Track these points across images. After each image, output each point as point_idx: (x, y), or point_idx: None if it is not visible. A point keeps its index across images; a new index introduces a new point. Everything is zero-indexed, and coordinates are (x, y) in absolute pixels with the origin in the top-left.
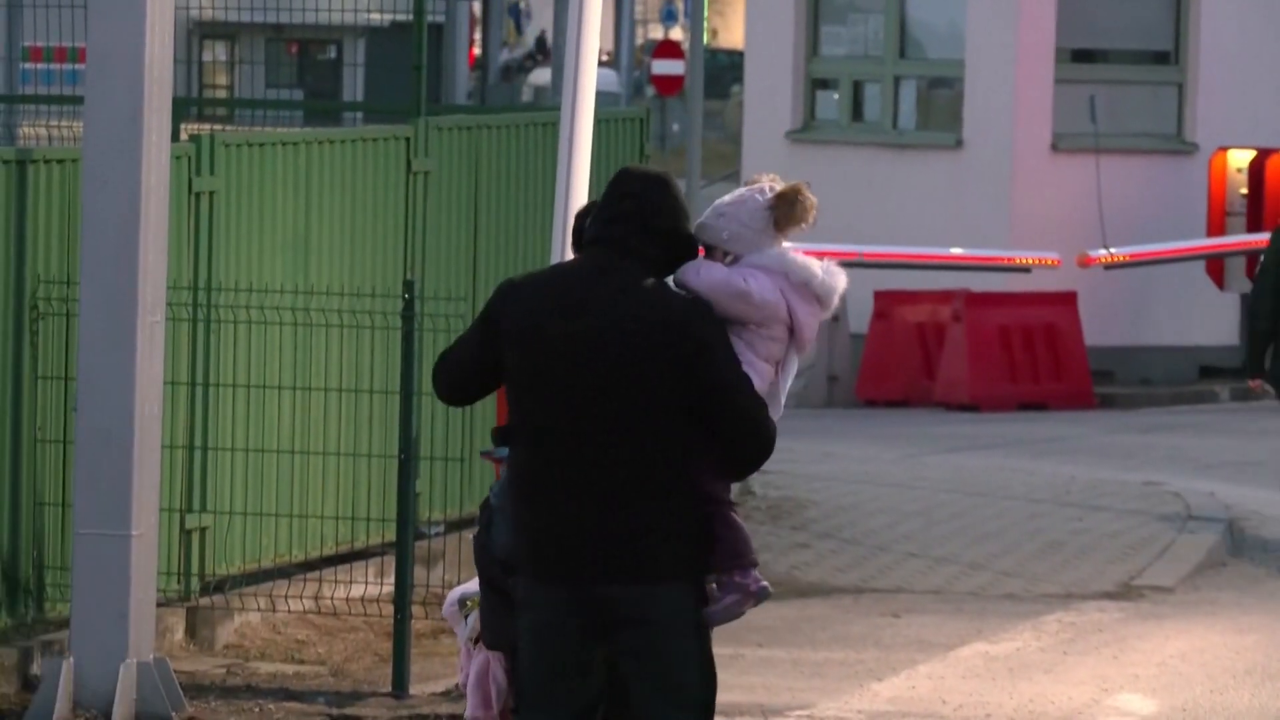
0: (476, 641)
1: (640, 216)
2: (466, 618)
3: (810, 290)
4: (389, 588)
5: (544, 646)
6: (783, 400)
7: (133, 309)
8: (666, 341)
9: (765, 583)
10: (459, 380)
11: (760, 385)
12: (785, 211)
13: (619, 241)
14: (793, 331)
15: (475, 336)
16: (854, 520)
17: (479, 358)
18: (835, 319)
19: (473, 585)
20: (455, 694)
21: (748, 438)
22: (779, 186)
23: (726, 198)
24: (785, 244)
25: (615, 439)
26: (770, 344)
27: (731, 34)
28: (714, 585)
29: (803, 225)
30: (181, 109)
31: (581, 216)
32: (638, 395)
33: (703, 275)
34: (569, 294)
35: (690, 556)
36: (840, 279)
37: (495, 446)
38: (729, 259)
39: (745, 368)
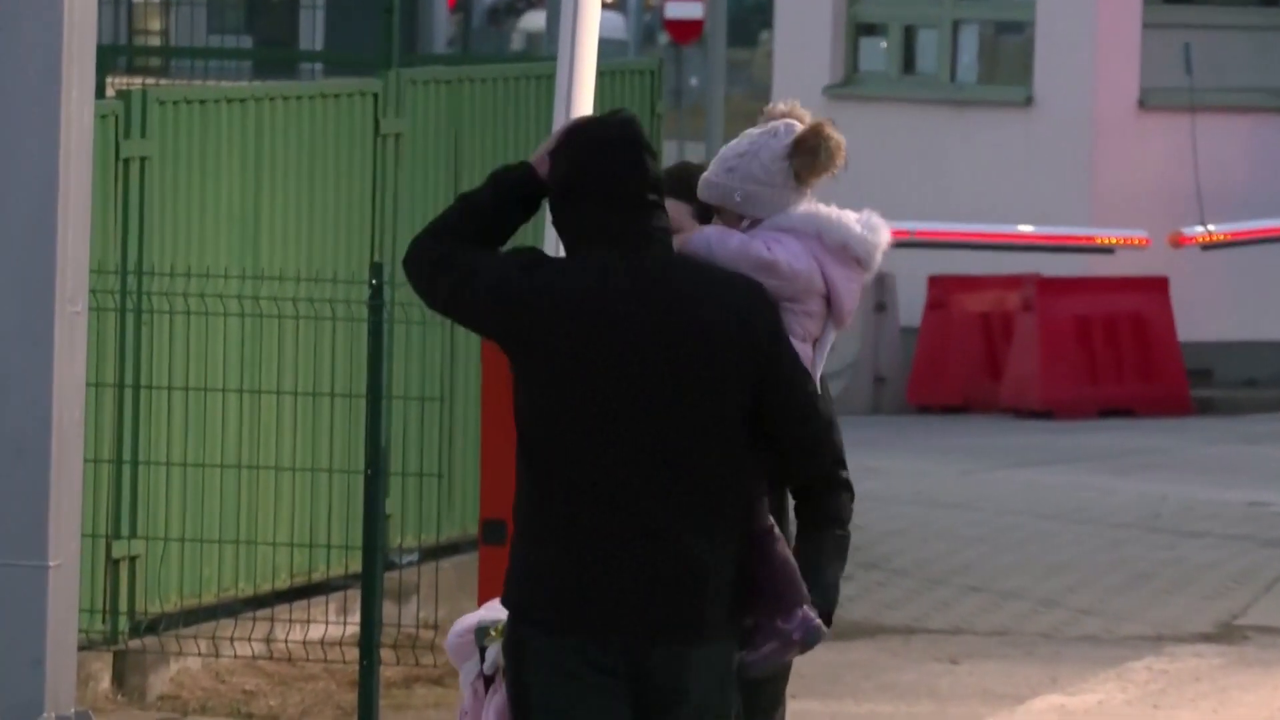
0: (491, 680)
1: (650, 179)
2: (485, 650)
3: (849, 252)
4: (353, 628)
5: (555, 714)
6: (817, 381)
7: (49, 297)
8: (736, 335)
9: (816, 622)
10: (455, 276)
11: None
12: (806, 160)
13: (638, 220)
14: (830, 303)
15: (491, 283)
16: (905, 548)
17: (484, 296)
18: (881, 308)
19: (494, 613)
20: None
21: (814, 444)
22: (795, 124)
23: (733, 146)
24: (810, 197)
25: (674, 460)
26: (807, 320)
27: None
28: (750, 624)
29: (830, 172)
30: (108, 59)
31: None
32: (703, 403)
33: (715, 247)
34: (616, 290)
35: (736, 608)
36: (883, 233)
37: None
38: (745, 224)
39: None
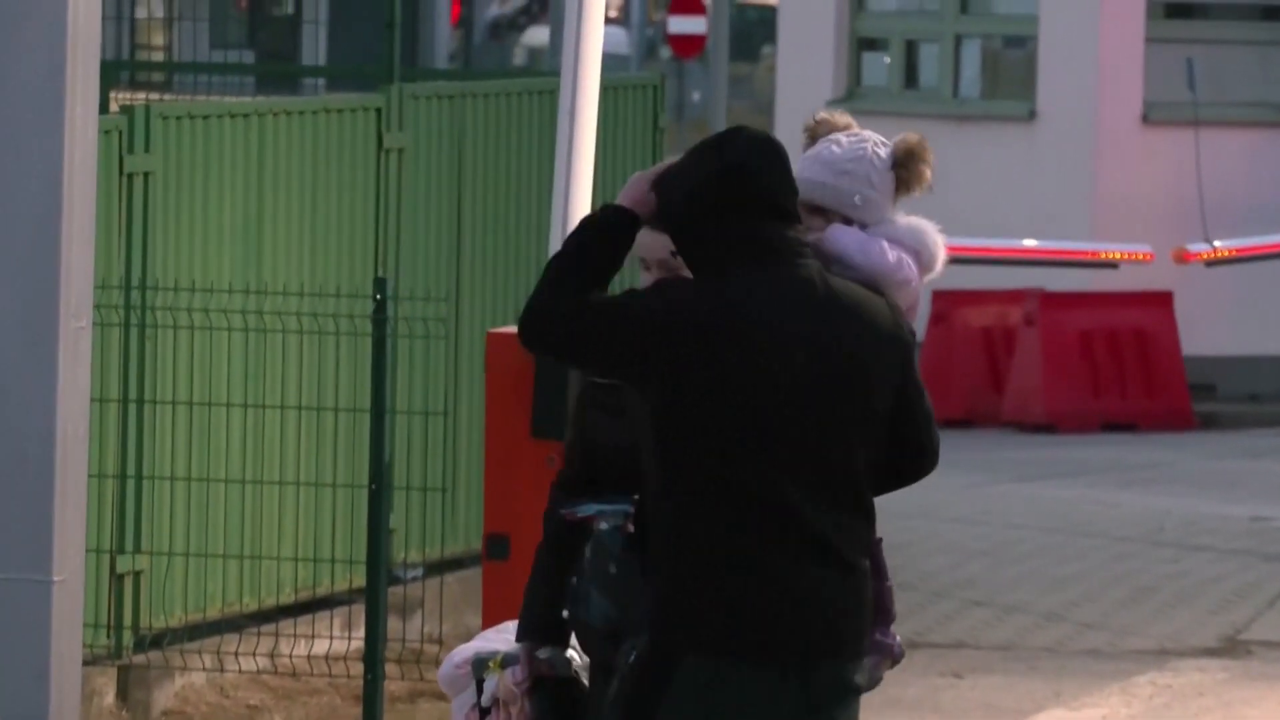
0: (487, 713)
1: (792, 186)
2: (482, 682)
3: (931, 268)
4: (358, 643)
5: None
6: None
7: (53, 312)
8: (886, 352)
9: (899, 638)
10: (598, 335)
11: None
12: (915, 171)
13: (792, 232)
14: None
15: (636, 330)
16: (908, 561)
17: (630, 352)
18: None
19: (490, 644)
20: None
21: (933, 448)
22: (877, 136)
23: (837, 150)
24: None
25: (836, 477)
26: None
27: None
28: None
29: (920, 189)
30: (111, 74)
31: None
32: (860, 418)
33: (872, 255)
34: (779, 305)
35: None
36: (944, 249)
37: (575, 504)
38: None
39: None
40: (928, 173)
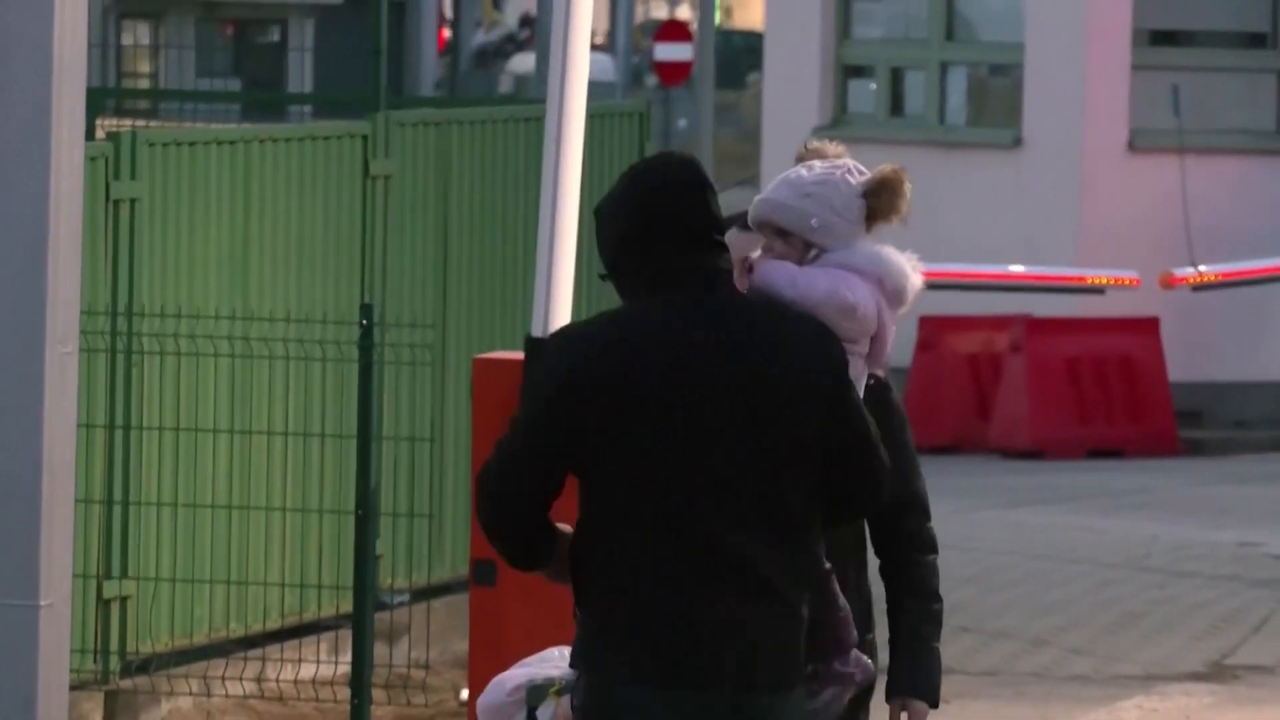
0: None
1: (713, 217)
2: (535, 711)
3: (900, 297)
4: (344, 668)
5: None
6: None
7: (40, 338)
8: (806, 379)
9: (867, 660)
10: (532, 519)
11: None
12: (886, 201)
13: (704, 260)
14: (874, 344)
15: (537, 438)
16: None
17: (552, 468)
18: None
19: (541, 670)
20: None
21: (873, 485)
22: (857, 165)
23: (805, 174)
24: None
25: (759, 505)
26: (859, 361)
27: (748, 12)
28: (810, 670)
29: (896, 218)
30: (97, 101)
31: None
32: (779, 447)
33: (800, 285)
34: (684, 335)
35: (808, 650)
36: (920, 278)
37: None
38: (813, 253)
39: None
40: (902, 204)
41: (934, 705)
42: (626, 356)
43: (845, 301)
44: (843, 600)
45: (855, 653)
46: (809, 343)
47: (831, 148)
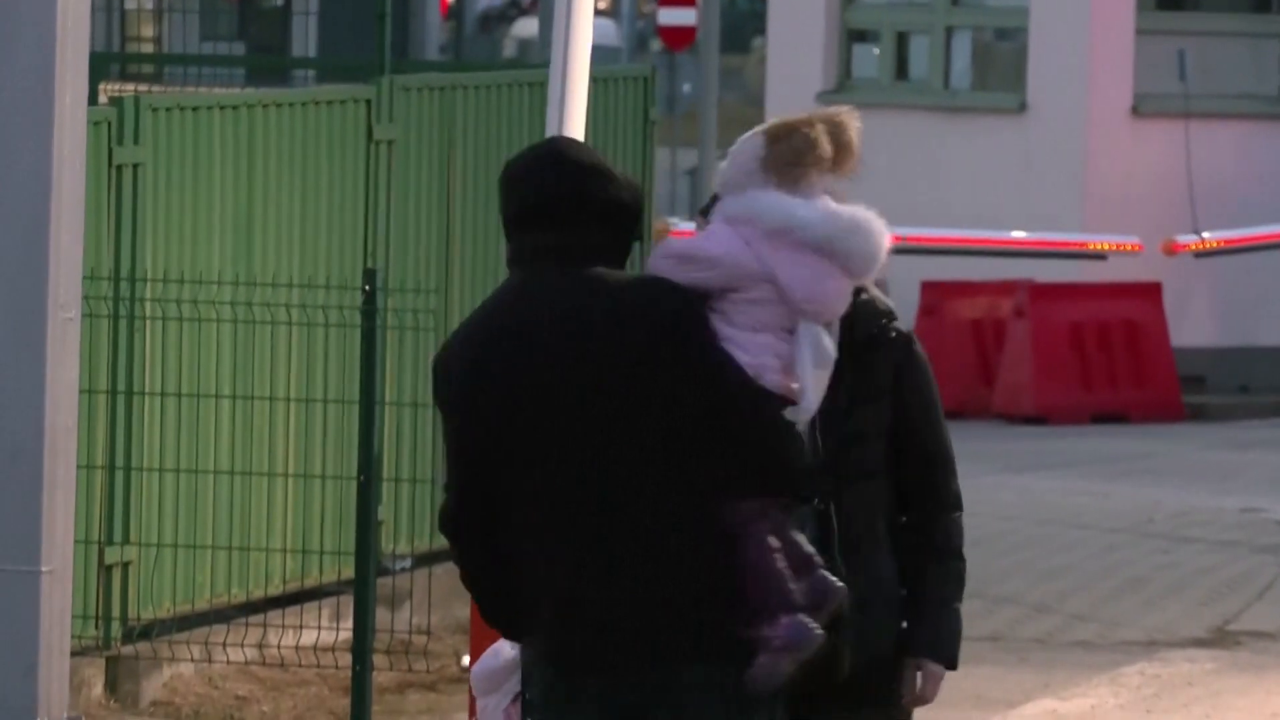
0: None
1: (567, 200)
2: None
3: (797, 239)
4: (346, 634)
5: None
6: (809, 381)
7: (42, 303)
8: (622, 338)
9: (810, 626)
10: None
11: (751, 361)
12: (773, 148)
13: (545, 245)
14: (778, 287)
15: (456, 467)
16: None
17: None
18: None
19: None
20: None
21: (754, 439)
22: (828, 118)
23: (743, 137)
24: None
25: (619, 479)
26: (754, 309)
27: None
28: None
29: (804, 166)
30: (101, 66)
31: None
32: (621, 415)
33: (654, 258)
34: (523, 325)
35: (731, 622)
36: (863, 233)
37: None
38: (715, 207)
39: (730, 347)
40: (795, 149)
41: (952, 667)
42: (479, 356)
43: (674, 251)
44: (755, 561)
45: (789, 618)
46: (642, 307)
47: (840, 111)
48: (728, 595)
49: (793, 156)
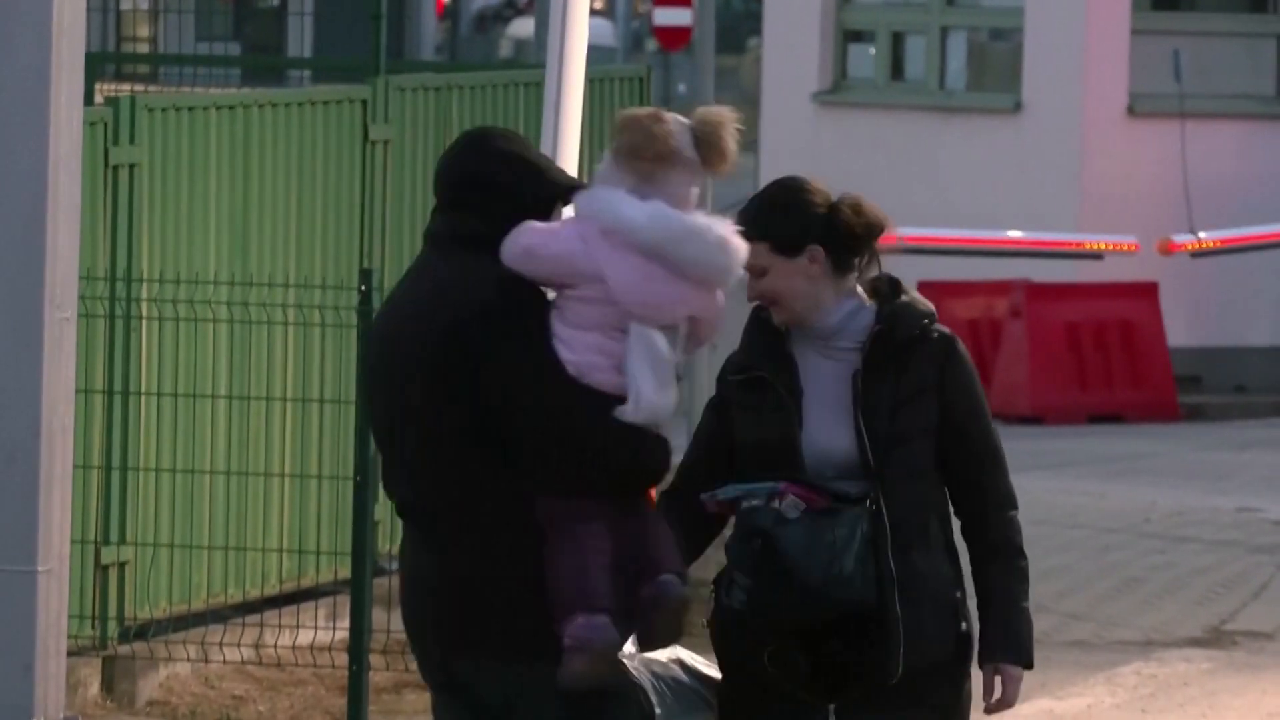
0: None
1: (453, 174)
2: None
3: (628, 240)
4: (343, 633)
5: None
6: (641, 381)
7: (38, 303)
8: (431, 322)
9: (603, 628)
10: None
11: (575, 359)
12: (629, 140)
13: (434, 232)
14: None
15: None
16: None
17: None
18: None
19: None
20: None
21: (551, 438)
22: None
23: None
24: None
25: (430, 470)
26: (584, 306)
27: None
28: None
29: (650, 163)
30: (97, 66)
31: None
32: (428, 409)
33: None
34: (390, 308)
35: (545, 620)
36: (697, 243)
37: (715, 489)
38: None
39: (556, 343)
40: (634, 142)
41: (1028, 667)
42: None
43: (519, 244)
44: (554, 559)
45: (585, 618)
46: (454, 295)
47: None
48: (538, 591)
49: (630, 150)
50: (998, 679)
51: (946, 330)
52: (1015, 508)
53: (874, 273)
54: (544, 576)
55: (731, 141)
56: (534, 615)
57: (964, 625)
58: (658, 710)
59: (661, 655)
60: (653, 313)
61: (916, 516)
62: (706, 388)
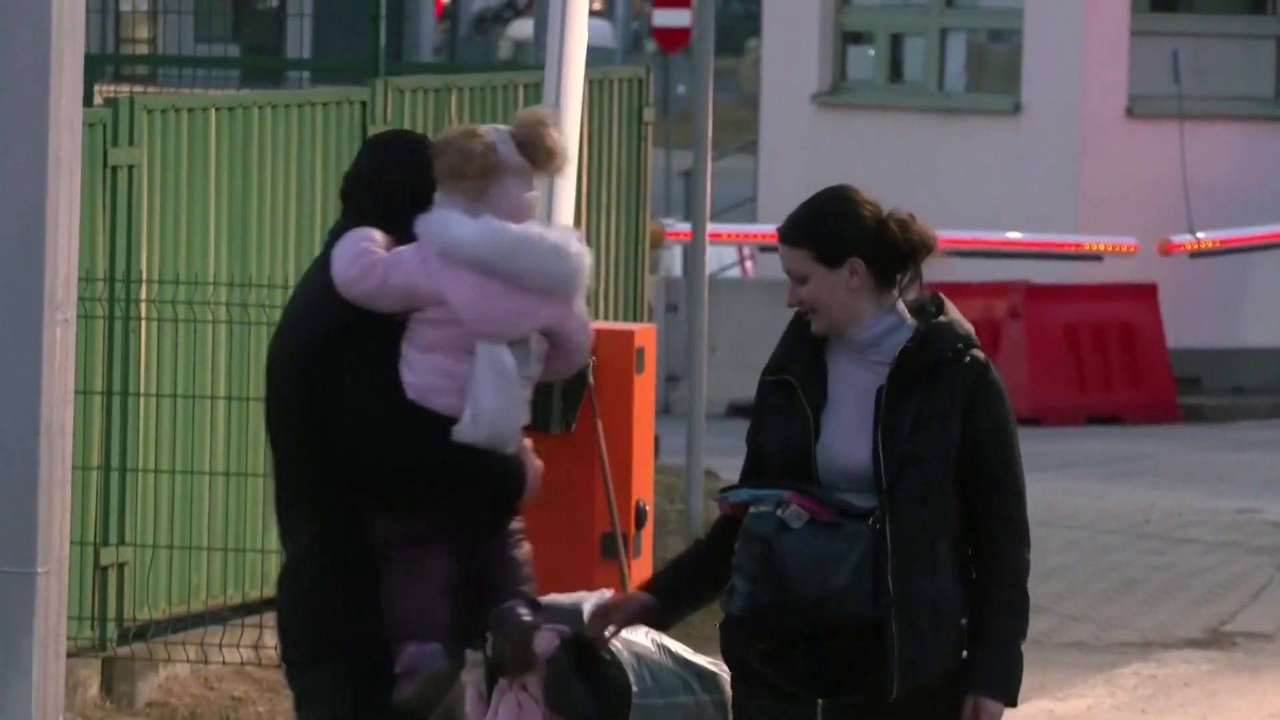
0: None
1: (352, 172)
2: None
3: (465, 258)
4: None
5: None
6: (484, 400)
7: (38, 305)
8: (284, 350)
9: (431, 655)
10: None
11: (417, 381)
12: (438, 166)
13: (331, 229)
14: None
15: None
16: None
17: None
18: None
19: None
20: None
21: (383, 460)
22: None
23: None
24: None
25: (280, 479)
26: (428, 329)
27: None
28: None
29: (472, 180)
30: (96, 67)
31: None
32: (281, 426)
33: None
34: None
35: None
36: (530, 253)
37: (729, 490)
38: None
39: (401, 366)
40: (445, 161)
41: (1011, 705)
42: None
43: (354, 268)
44: (406, 586)
45: (415, 646)
46: (303, 308)
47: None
48: (375, 614)
49: (451, 172)
50: (975, 713)
51: (982, 356)
52: (1028, 544)
53: (915, 290)
54: (370, 601)
55: (553, 136)
56: (363, 637)
57: (966, 653)
58: (634, 688)
59: (644, 639)
60: (495, 329)
61: (923, 538)
62: (708, 391)
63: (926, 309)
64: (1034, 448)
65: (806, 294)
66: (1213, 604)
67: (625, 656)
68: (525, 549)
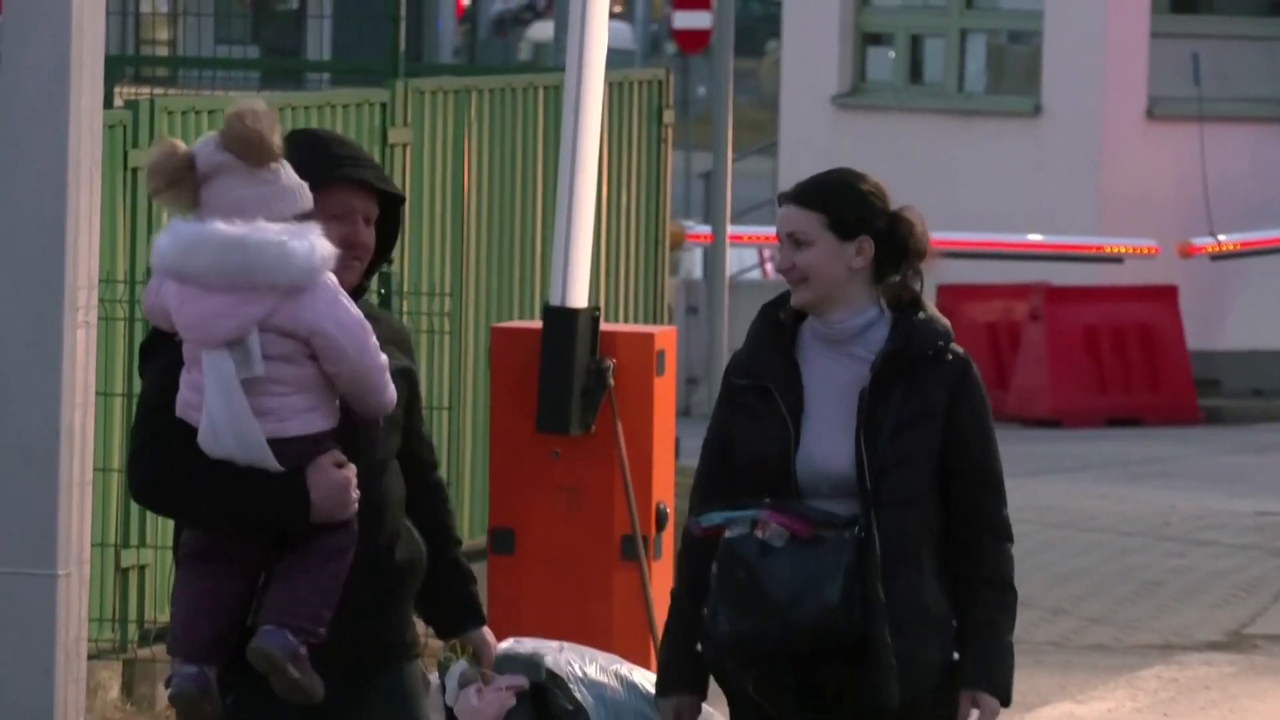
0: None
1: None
2: (443, 677)
3: (157, 268)
4: None
5: None
6: (213, 408)
7: (58, 306)
8: None
9: (186, 680)
10: None
11: (179, 397)
12: (149, 189)
13: None
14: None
15: None
16: None
17: None
18: None
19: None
20: None
21: (155, 474)
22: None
23: None
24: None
25: None
26: (185, 347)
27: None
28: None
29: (170, 189)
30: (116, 68)
31: None
32: None
33: None
34: None
35: None
36: (200, 250)
37: (701, 515)
38: None
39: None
40: (153, 174)
41: (1006, 703)
42: None
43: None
44: (182, 600)
45: (179, 668)
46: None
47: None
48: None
49: (153, 191)
50: (975, 709)
51: (961, 352)
52: (1011, 540)
53: (899, 289)
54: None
55: (249, 124)
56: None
57: (956, 655)
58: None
59: (606, 674)
60: (198, 333)
61: (908, 542)
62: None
63: (902, 305)
64: (1054, 449)
65: (804, 260)
66: (1233, 606)
67: (588, 701)
68: (333, 568)
